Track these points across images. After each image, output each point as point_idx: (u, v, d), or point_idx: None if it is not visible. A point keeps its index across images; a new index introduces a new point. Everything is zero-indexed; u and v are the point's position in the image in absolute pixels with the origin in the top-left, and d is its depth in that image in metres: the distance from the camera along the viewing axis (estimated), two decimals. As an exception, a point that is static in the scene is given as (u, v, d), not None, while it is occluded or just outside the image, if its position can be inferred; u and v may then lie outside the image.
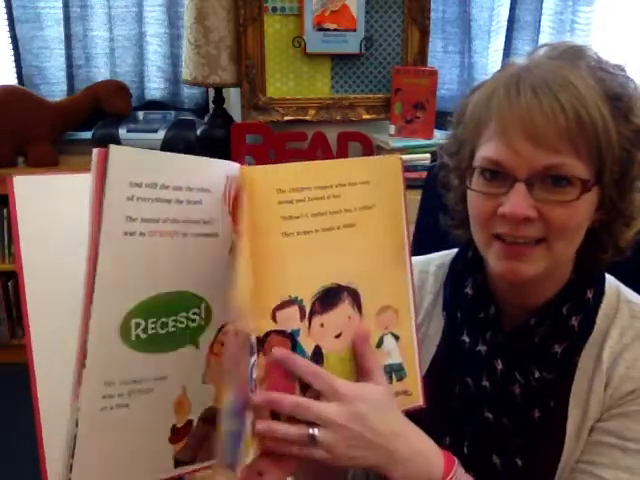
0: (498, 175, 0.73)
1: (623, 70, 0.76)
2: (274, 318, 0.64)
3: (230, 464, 0.62)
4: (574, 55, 0.75)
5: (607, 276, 0.85)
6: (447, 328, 0.88)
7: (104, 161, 0.52)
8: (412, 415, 0.88)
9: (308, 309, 0.66)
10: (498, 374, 0.81)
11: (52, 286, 0.58)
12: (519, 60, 0.78)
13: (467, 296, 0.85)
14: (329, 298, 0.67)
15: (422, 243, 1.33)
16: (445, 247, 0.95)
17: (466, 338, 0.84)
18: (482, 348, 0.83)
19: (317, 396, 0.65)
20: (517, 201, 0.71)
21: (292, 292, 0.65)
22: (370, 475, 0.95)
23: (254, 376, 0.63)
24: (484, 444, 0.82)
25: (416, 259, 0.97)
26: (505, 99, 0.73)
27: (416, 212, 1.36)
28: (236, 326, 0.62)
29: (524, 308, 0.82)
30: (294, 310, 0.65)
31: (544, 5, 2.27)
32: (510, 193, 0.72)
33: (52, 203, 0.59)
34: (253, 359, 0.63)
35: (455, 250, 0.91)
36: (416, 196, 1.37)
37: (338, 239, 0.67)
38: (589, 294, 0.82)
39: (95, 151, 0.52)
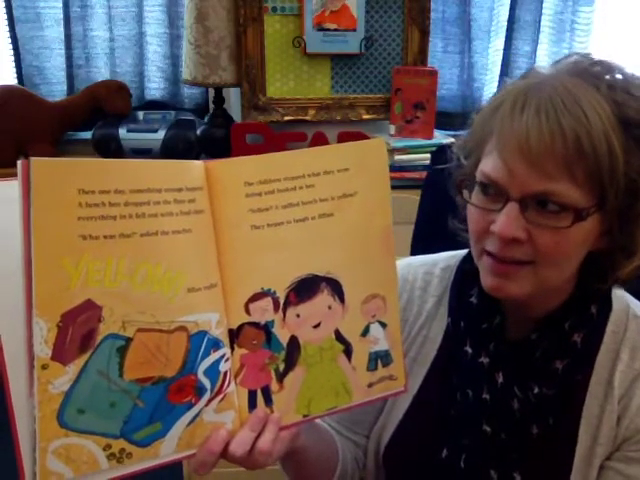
0: (495, 191, 0.72)
1: None
2: (247, 311, 0.65)
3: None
4: (598, 73, 0.72)
5: (616, 289, 0.82)
6: (450, 334, 0.88)
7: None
8: (412, 417, 0.88)
9: (282, 300, 0.66)
10: (498, 388, 0.80)
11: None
12: (541, 70, 0.75)
13: (471, 305, 0.84)
14: (305, 289, 0.67)
15: (421, 242, 1.33)
16: (445, 247, 0.95)
17: (469, 349, 0.83)
18: (484, 360, 0.81)
19: None
20: (507, 221, 0.70)
21: (265, 284, 0.65)
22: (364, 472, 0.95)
23: (222, 369, 0.64)
24: (481, 458, 0.81)
25: (421, 259, 0.96)
26: (509, 115, 0.71)
27: (416, 212, 1.36)
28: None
29: (528, 318, 0.81)
30: (267, 302, 0.66)
31: (544, 5, 2.27)
32: (502, 212, 0.71)
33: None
34: (221, 352, 0.64)
35: (462, 252, 0.90)
36: (416, 196, 1.37)
37: (314, 229, 0.67)
38: (593, 310, 0.80)
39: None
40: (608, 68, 0.73)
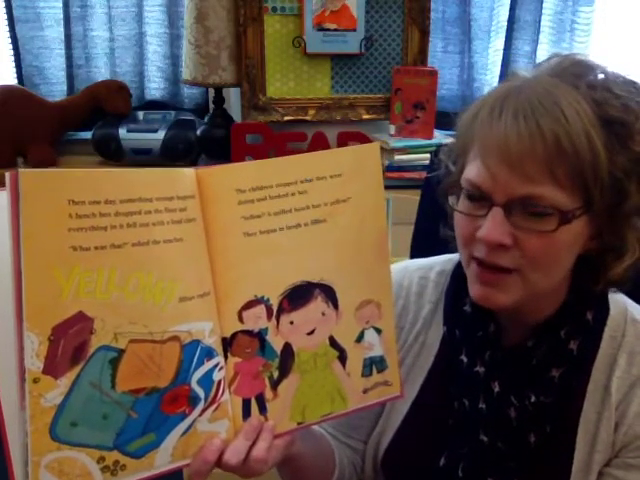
0: (479, 197, 0.71)
1: (636, 90, 0.71)
2: (240, 319, 0.64)
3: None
4: (578, 73, 0.71)
5: (613, 292, 0.81)
6: (446, 343, 0.87)
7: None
8: (410, 424, 0.88)
9: (276, 307, 0.66)
10: (494, 396, 0.80)
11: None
12: (521, 72, 0.75)
13: (465, 314, 0.83)
14: (298, 296, 0.67)
15: (421, 243, 1.33)
16: (445, 248, 0.94)
17: (464, 358, 0.82)
18: (480, 369, 0.81)
19: None
20: (491, 226, 0.69)
21: (258, 292, 0.65)
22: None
23: (215, 378, 0.64)
24: (479, 466, 0.81)
25: (417, 263, 0.96)
26: (487, 120, 0.70)
27: (416, 212, 1.36)
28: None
29: (524, 324, 0.80)
30: (260, 309, 0.65)
31: (544, 5, 2.26)
32: (487, 217, 0.70)
33: None
34: (214, 361, 0.64)
35: (458, 255, 0.90)
36: (416, 196, 1.37)
37: (306, 236, 0.67)
38: (589, 316, 0.79)
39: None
40: (589, 68, 0.73)
